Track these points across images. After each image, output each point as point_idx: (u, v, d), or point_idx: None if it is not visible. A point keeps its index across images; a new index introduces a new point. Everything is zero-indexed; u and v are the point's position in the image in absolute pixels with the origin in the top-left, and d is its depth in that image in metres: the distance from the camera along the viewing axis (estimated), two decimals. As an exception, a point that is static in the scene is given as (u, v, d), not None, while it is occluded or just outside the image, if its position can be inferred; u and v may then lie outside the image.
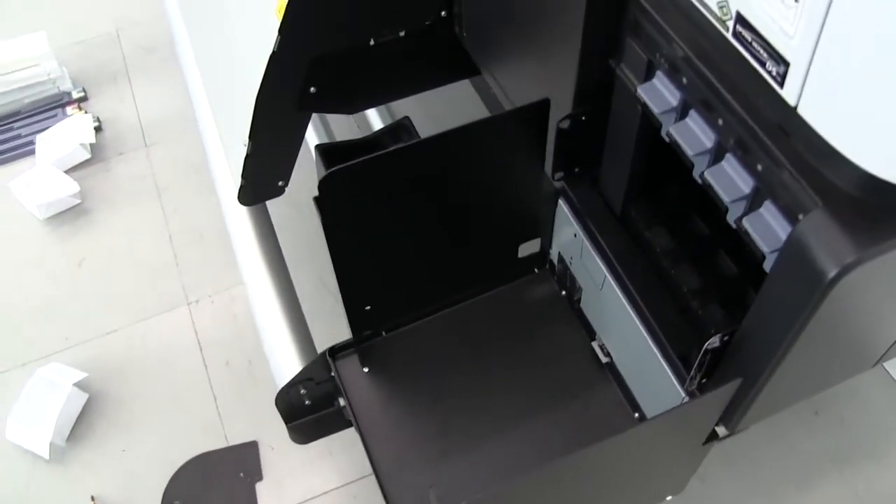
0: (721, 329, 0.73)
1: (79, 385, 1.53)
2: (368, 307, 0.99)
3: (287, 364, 1.13)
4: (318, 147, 1.68)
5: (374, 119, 1.81)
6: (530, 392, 1.02)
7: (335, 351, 1.02)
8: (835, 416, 1.43)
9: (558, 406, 1.00)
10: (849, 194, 0.59)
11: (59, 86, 1.90)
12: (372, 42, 1.09)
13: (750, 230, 0.67)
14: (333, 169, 0.81)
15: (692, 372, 0.75)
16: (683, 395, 0.82)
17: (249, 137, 1.10)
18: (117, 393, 1.57)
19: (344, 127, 1.89)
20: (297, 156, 1.17)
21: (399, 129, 1.74)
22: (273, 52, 1.03)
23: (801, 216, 0.62)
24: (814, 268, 0.58)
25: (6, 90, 1.84)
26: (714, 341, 0.71)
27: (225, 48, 1.28)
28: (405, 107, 1.75)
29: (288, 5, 1.00)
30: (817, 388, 0.82)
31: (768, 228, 0.66)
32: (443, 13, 1.09)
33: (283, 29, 1.02)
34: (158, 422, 1.53)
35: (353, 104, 1.17)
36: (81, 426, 1.52)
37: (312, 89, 1.09)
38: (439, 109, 1.61)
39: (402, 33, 1.09)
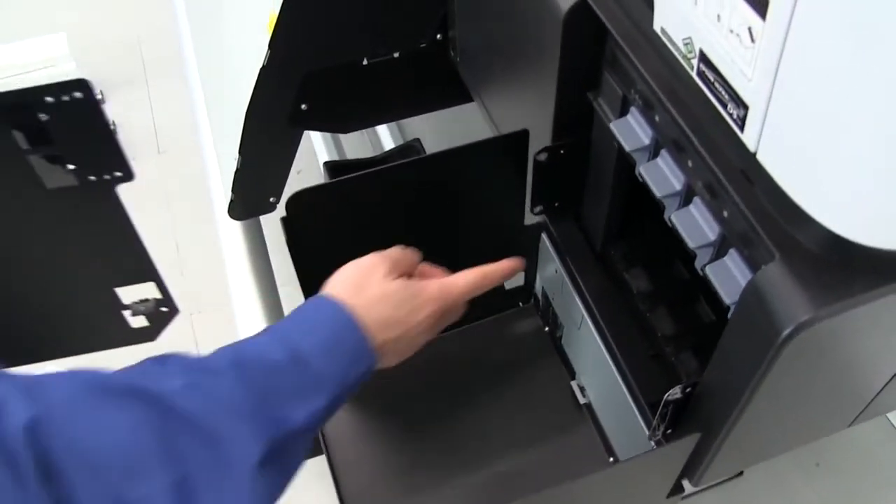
0: (689, 378, 0.70)
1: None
2: None
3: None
4: (326, 164, 1.67)
5: (386, 138, 1.80)
6: (506, 429, 0.99)
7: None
8: (836, 468, 1.38)
9: (533, 445, 0.97)
10: (809, 249, 0.55)
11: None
12: (365, 62, 1.07)
13: (712, 279, 0.63)
14: (301, 189, 0.79)
15: (654, 421, 0.72)
16: (652, 444, 0.79)
17: (239, 152, 1.09)
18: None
19: (357, 145, 1.88)
20: (288, 172, 1.15)
21: (409, 150, 1.72)
22: (263, 66, 1.02)
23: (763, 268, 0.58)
24: (766, 325, 0.55)
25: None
26: (675, 392, 0.68)
27: (223, 60, 1.27)
28: (418, 127, 1.74)
29: (278, 20, 0.98)
30: (789, 445, 0.78)
31: (731, 278, 0.63)
32: (438, 36, 1.07)
33: (273, 43, 1.00)
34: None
35: (345, 123, 1.15)
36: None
37: (304, 106, 1.08)
38: (454, 130, 1.59)
39: (396, 54, 1.07)
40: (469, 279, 0.76)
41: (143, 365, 0.58)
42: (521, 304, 1.05)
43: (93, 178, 0.71)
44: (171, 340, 1.61)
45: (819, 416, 0.73)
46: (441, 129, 1.74)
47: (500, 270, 0.79)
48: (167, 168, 1.87)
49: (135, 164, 1.87)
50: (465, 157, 0.83)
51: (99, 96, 1.90)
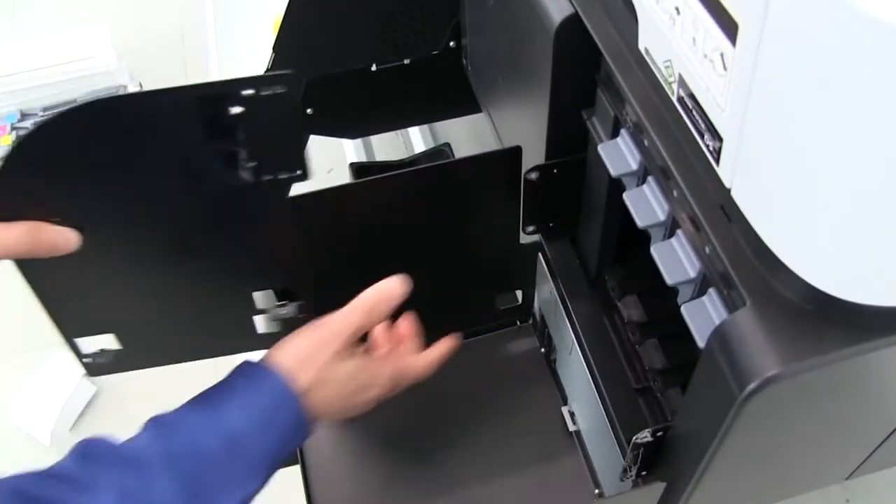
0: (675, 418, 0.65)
1: (88, 377, 1.52)
2: None
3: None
4: (352, 165, 1.64)
5: (417, 140, 1.77)
6: (492, 451, 0.94)
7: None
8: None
9: (519, 470, 0.93)
10: (785, 296, 0.50)
11: (117, 78, 1.91)
12: (374, 67, 1.03)
13: (687, 319, 0.58)
14: None
15: (625, 462, 0.67)
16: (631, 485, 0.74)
17: (244, 152, 1.06)
18: (126, 390, 1.55)
19: (387, 146, 1.84)
20: (295, 176, 1.12)
21: (438, 154, 1.68)
22: (267, 69, 0.99)
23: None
24: (731, 377, 0.50)
25: (63, 79, 1.86)
26: (644, 435, 0.63)
27: (243, 59, 1.25)
28: (451, 130, 1.70)
29: (282, 23, 0.95)
30: (775, 497, 0.72)
31: (707, 320, 0.58)
32: (451, 44, 1.03)
33: (277, 46, 0.97)
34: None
35: (351, 129, 1.12)
36: (87, 419, 1.51)
37: (309, 111, 1.05)
38: (486, 136, 1.55)
39: (406, 61, 1.04)
40: (430, 359, 0.76)
41: (73, 463, 0.57)
42: (518, 322, 1.01)
43: (269, 177, 0.67)
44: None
45: (804, 469, 0.67)
46: (473, 134, 1.70)
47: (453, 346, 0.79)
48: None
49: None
50: (456, 172, 0.79)
51: (138, 88, 1.90)
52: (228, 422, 0.61)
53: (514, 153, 0.79)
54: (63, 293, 0.72)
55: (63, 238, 0.60)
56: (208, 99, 0.60)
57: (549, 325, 0.94)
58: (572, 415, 0.93)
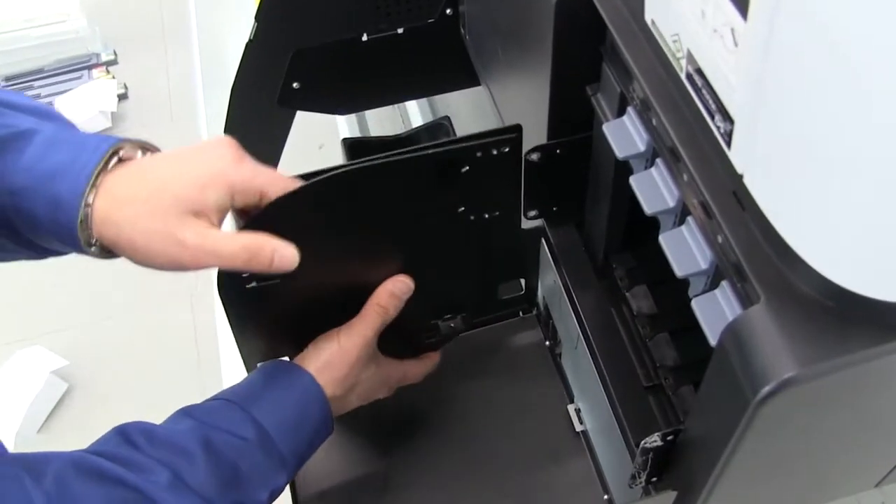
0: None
1: (58, 373, 1.52)
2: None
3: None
4: (345, 140, 1.63)
5: (415, 114, 1.76)
6: (495, 453, 0.94)
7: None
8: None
9: (522, 473, 0.92)
10: (803, 291, 0.49)
11: (88, 46, 1.89)
12: (365, 38, 1.02)
13: (698, 314, 0.58)
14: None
15: (633, 468, 0.66)
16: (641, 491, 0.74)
17: (225, 130, 1.05)
18: (101, 385, 1.56)
19: (383, 119, 1.83)
20: (280, 154, 1.12)
21: (437, 129, 1.67)
22: (249, 40, 0.99)
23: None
24: (744, 379, 0.49)
25: (30, 45, 1.84)
26: (654, 440, 0.63)
27: (223, 29, 1.24)
28: (452, 103, 1.69)
29: (265, -10, 0.95)
30: (797, 504, 0.72)
31: (720, 315, 0.57)
32: (448, 11, 1.02)
33: (260, 15, 0.97)
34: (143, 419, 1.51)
35: (341, 105, 1.11)
36: (56, 418, 1.52)
37: (296, 84, 1.04)
38: (488, 109, 1.54)
39: (400, 30, 1.03)
40: (427, 367, 0.88)
41: (118, 448, 0.61)
42: (521, 313, 1.00)
43: (472, 217, 0.78)
44: (168, 323, 1.59)
45: (827, 477, 0.67)
46: (475, 107, 1.69)
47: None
48: (179, 138, 1.86)
49: (146, 132, 1.86)
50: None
51: (111, 56, 1.89)
52: (262, 418, 0.67)
53: (514, 132, 0.78)
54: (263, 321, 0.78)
55: (281, 257, 0.62)
56: (441, 162, 0.71)
57: (554, 316, 0.93)
58: (579, 413, 0.93)
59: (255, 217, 0.64)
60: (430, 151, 0.69)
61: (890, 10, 0.33)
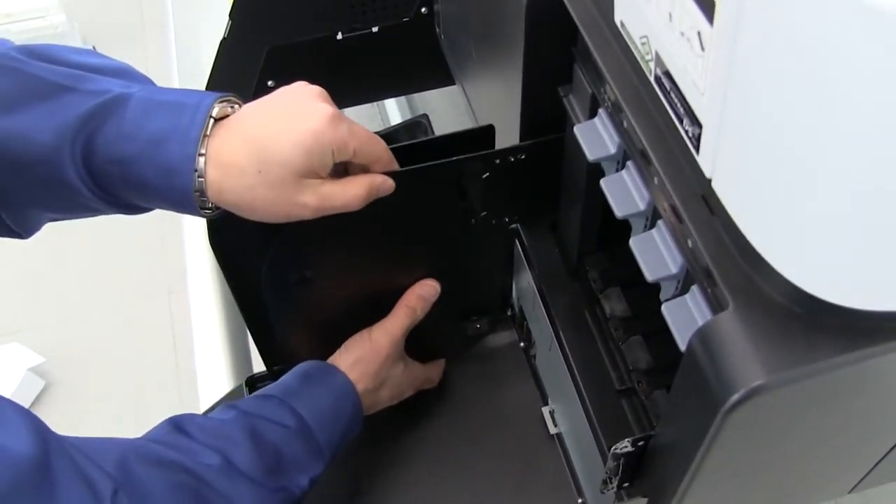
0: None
1: (35, 370, 1.50)
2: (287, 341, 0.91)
3: (215, 383, 1.08)
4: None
5: (393, 111, 1.75)
6: (467, 456, 0.93)
7: (255, 381, 0.95)
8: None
9: (496, 476, 0.92)
10: (772, 298, 0.49)
11: (67, 41, 1.87)
12: (340, 36, 1.01)
13: (668, 319, 0.57)
14: None
15: (605, 473, 0.66)
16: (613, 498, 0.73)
17: (199, 129, 1.04)
18: (79, 383, 1.54)
19: (361, 116, 1.82)
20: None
21: (415, 127, 1.66)
22: (223, 38, 0.97)
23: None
24: (713, 386, 0.48)
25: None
26: (624, 445, 0.62)
27: (199, 26, 1.22)
28: (431, 100, 1.68)
29: (238, -13, 0.93)
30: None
31: (690, 321, 0.56)
32: (423, 9, 1.01)
33: (234, 13, 0.95)
34: (119, 420, 1.49)
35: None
36: (34, 416, 1.50)
37: (270, 83, 1.03)
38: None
39: (375, 29, 1.01)
40: (440, 370, 0.95)
41: (170, 436, 0.66)
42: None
43: (494, 221, 0.82)
44: (146, 321, 1.58)
45: (799, 483, 0.66)
46: (454, 104, 1.67)
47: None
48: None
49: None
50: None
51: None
52: (301, 409, 0.73)
53: (487, 133, 0.77)
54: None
55: (385, 181, 0.69)
56: (466, 170, 0.75)
57: (528, 317, 0.92)
58: (553, 415, 0.92)
59: None
60: (454, 159, 0.73)
61: (856, 16, 0.33)
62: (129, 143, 0.60)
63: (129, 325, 1.59)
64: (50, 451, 0.51)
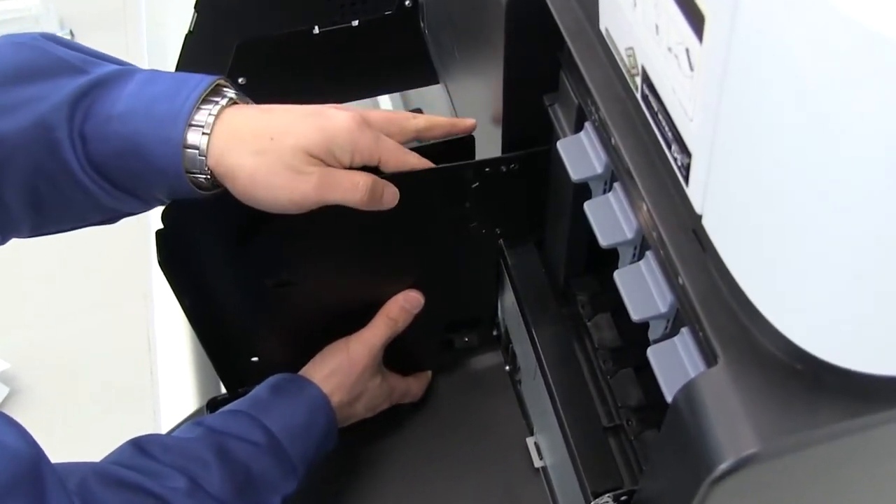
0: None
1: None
2: (255, 358, 0.87)
3: (180, 401, 1.04)
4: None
5: (386, 106, 1.71)
6: (445, 489, 0.89)
7: (218, 403, 0.90)
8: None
9: (476, 511, 0.87)
10: (768, 350, 0.44)
11: (43, 24, 1.83)
12: (317, 30, 0.96)
13: (654, 364, 0.52)
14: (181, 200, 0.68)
15: (585, 528, 0.61)
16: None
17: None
18: (44, 390, 1.50)
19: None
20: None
21: (408, 123, 1.62)
22: (189, 31, 0.92)
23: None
24: (699, 450, 0.44)
25: (-25, 24, 1.78)
26: (606, 501, 0.57)
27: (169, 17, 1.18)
28: (427, 94, 1.63)
29: (205, -24, 0.89)
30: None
31: (679, 368, 0.52)
32: (407, 2, 0.96)
33: (199, 5, 0.90)
34: (88, 430, 1.45)
35: (291, 102, 1.05)
36: (-3, 424, 1.47)
37: (241, 80, 0.98)
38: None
39: (355, 22, 0.97)
40: (423, 384, 0.91)
41: (134, 459, 0.64)
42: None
43: (484, 231, 0.79)
44: (120, 326, 1.54)
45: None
46: (449, 101, 1.63)
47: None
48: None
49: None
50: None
51: (67, 36, 1.82)
52: (271, 424, 0.71)
53: (466, 144, 0.72)
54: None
55: (389, 192, 0.67)
56: (456, 177, 0.72)
57: (514, 340, 0.88)
58: (538, 448, 0.87)
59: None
60: (441, 167, 0.70)
61: (862, 37, 0.28)
62: (128, 100, 0.60)
63: (101, 329, 1.55)
64: (39, 454, 0.52)
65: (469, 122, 0.72)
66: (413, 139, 0.70)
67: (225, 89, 0.64)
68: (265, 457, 0.70)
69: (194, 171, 0.61)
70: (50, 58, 0.61)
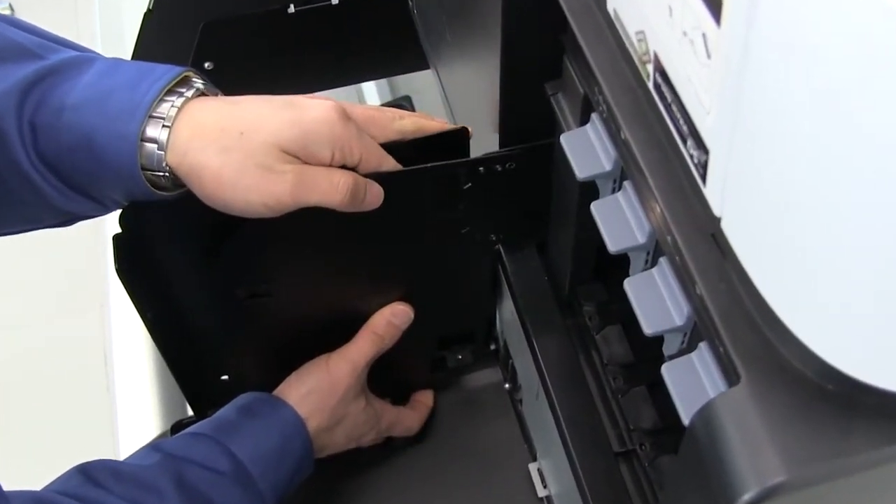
0: None
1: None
2: (225, 377, 0.87)
3: (140, 424, 1.05)
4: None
5: (371, 92, 1.72)
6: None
7: (182, 427, 0.90)
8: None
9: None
10: (794, 369, 0.44)
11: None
12: (292, 9, 0.97)
13: (669, 383, 0.52)
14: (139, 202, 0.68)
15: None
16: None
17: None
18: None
19: (336, 98, 1.77)
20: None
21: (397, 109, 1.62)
22: (147, 10, 0.93)
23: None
24: (720, 478, 0.44)
25: None
26: (617, 534, 0.57)
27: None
28: (415, 80, 1.64)
29: (164, -51, 0.89)
30: None
31: (696, 387, 0.52)
32: (393, -21, 0.96)
33: (161, -19, 0.91)
34: (40, 448, 1.45)
35: (263, 89, 1.05)
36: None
37: (207, 65, 0.99)
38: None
39: (335, 1, 0.97)
40: (422, 415, 0.91)
41: (80, 488, 0.63)
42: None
43: (478, 237, 0.79)
44: (76, 336, 1.54)
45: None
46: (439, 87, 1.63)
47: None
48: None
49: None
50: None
51: (7, 10, 1.82)
52: (238, 450, 0.70)
53: (460, 136, 0.73)
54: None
55: (372, 193, 0.66)
56: (446, 177, 0.72)
57: (513, 355, 0.88)
58: (542, 475, 0.88)
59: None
60: (430, 166, 0.70)
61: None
62: (84, 90, 0.60)
63: (52, 343, 1.56)
64: None
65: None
66: (395, 141, 0.70)
67: (194, 80, 0.63)
68: (230, 487, 0.69)
69: (152, 168, 0.60)
70: (3, 40, 0.60)
